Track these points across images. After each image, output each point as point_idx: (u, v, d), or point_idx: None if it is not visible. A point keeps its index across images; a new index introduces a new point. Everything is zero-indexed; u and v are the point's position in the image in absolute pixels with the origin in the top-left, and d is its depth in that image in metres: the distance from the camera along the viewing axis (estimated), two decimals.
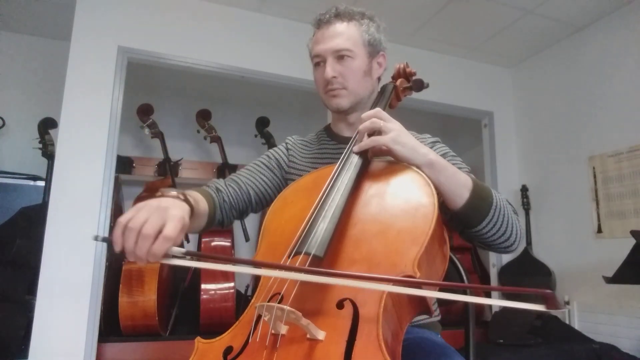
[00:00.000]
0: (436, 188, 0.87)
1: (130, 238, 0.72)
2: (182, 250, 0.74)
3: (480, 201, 0.92)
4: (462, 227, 0.96)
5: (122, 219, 0.73)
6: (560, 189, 3.17)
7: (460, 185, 0.91)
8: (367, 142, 0.93)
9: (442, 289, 0.80)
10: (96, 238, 0.78)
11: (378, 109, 0.97)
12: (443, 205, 0.94)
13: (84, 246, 2.30)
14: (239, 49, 2.87)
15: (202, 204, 1.01)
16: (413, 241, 0.78)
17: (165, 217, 0.74)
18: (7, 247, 2.39)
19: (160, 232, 0.73)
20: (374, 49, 1.16)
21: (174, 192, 0.84)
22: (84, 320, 2.23)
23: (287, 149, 1.26)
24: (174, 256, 0.74)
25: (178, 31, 2.74)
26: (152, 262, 0.73)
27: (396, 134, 0.91)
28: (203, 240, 2.89)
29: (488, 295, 0.70)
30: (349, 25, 1.13)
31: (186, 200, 0.85)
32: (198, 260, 0.80)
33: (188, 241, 3.13)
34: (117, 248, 0.73)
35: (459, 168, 0.99)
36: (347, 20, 1.13)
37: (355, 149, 0.96)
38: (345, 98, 1.13)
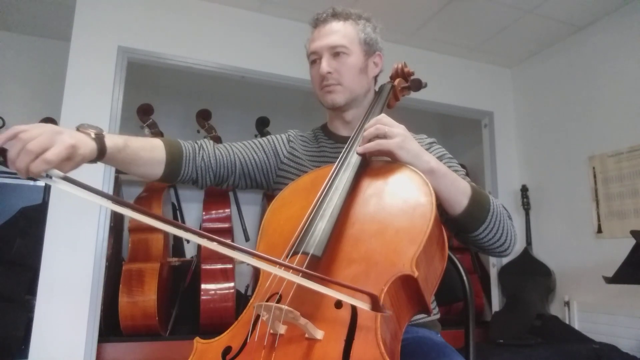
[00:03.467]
0: (436, 195, 0.88)
1: (15, 147, 0.73)
2: (60, 174, 0.74)
3: (478, 208, 0.94)
4: (457, 231, 0.97)
5: (17, 128, 0.75)
6: (560, 189, 3.17)
7: (460, 192, 0.93)
8: (372, 145, 0.92)
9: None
10: None
11: (383, 115, 0.97)
12: (440, 209, 0.95)
13: (84, 246, 2.30)
14: (239, 49, 2.87)
15: (150, 153, 1.01)
16: (411, 240, 0.78)
17: (54, 140, 0.75)
18: (7, 247, 2.40)
19: (43, 152, 0.73)
20: (370, 48, 1.17)
21: (90, 130, 0.85)
22: (84, 320, 2.23)
23: (289, 141, 1.25)
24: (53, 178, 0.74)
25: (178, 31, 2.74)
26: (30, 176, 0.74)
27: (401, 140, 0.91)
28: None
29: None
30: (345, 24, 1.14)
31: (97, 140, 0.85)
32: (79, 188, 0.75)
33: (188, 241, 3.12)
34: None
35: (455, 171, 1.01)
36: (344, 19, 1.15)
37: (360, 150, 0.94)
38: (340, 94, 1.13)
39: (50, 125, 0.77)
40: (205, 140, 1.16)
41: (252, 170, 1.18)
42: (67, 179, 0.74)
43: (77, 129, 0.84)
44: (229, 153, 1.15)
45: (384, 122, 0.94)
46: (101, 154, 0.86)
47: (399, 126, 0.94)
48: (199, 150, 1.11)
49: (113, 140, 0.89)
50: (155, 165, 1.03)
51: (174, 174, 1.07)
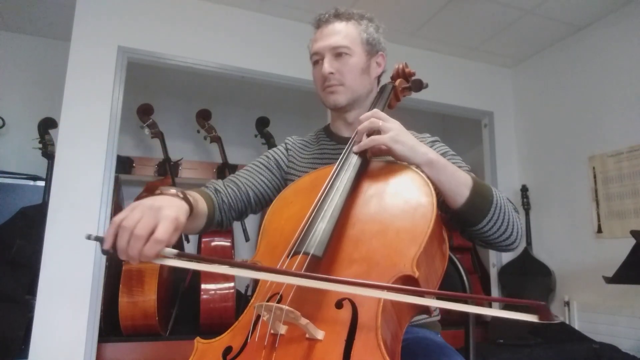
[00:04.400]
0: (436, 187, 0.88)
1: (123, 237, 0.72)
2: (174, 251, 0.73)
3: (481, 200, 0.92)
4: (462, 226, 0.96)
5: (117, 218, 0.73)
6: (560, 189, 3.17)
7: (460, 183, 0.91)
8: (366, 142, 0.92)
9: (438, 297, 0.76)
10: (89, 237, 0.76)
11: (376, 110, 0.97)
12: (443, 204, 0.94)
13: (84, 246, 2.30)
14: (239, 49, 2.87)
15: (201, 204, 1.01)
16: (412, 241, 0.78)
17: (158, 217, 0.73)
18: (7, 247, 2.39)
19: (152, 233, 0.72)
20: (372, 48, 1.16)
21: (172, 190, 0.83)
22: (84, 320, 2.23)
23: (287, 150, 1.26)
24: (166, 257, 0.74)
25: (178, 31, 2.74)
26: (144, 262, 0.73)
27: (395, 133, 0.91)
28: (203, 240, 2.89)
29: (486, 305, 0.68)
30: (347, 24, 1.14)
31: (185, 199, 0.84)
32: (190, 261, 0.78)
33: (188, 241, 3.12)
34: (106, 246, 0.73)
35: (459, 167, 0.99)
36: (346, 20, 1.14)
37: (355, 149, 0.96)
38: (342, 94, 1.13)
39: (145, 203, 0.75)
40: (213, 181, 1.16)
41: (264, 193, 1.18)
42: (180, 255, 0.73)
43: (161, 193, 0.82)
44: (239, 187, 1.15)
45: (377, 116, 0.94)
46: (189, 214, 0.84)
47: (393, 121, 0.94)
48: (217, 194, 1.12)
49: (190, 197, 0.87)
50: (204, 217, 1.03)
51: (210, 224, 1.07)
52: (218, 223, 1.12)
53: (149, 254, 0.72)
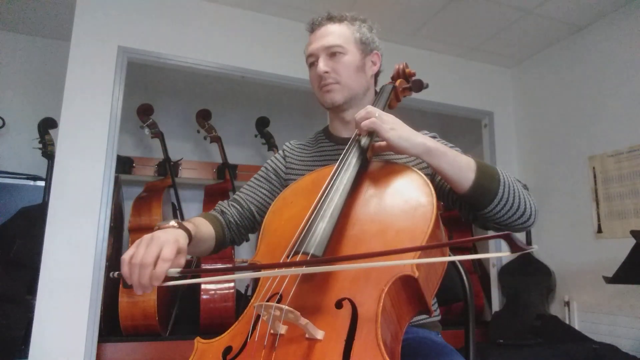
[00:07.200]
0: (440, 175, 0.88)
1: (135, 272, 0.77)
2: (178, 270, 0.79)
3: (488, 180, 0.91)
4: (474, 211, 0.95)
5: (126, 256, 0.79)
6: (560, 189, 3.17)
7: (464, 167, 0.90)
8: (367, 123, 0.91)
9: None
10: (113, 275, 0.83)
11: (370, 106, 0.97)
12: (451, 192, 0.93)
13: (84, 246, 2.30)
14: (239, 49, 2.87)
15: (206, 228, 1.06)
16: (412, 240, 0.79)
17: (160, 244, 0.79)
18: (7, 247, 2.39)
19: (158, 257, 0.78)
20: (366, 47, 1.18)
21: (171, 223, 0.89)
22: (84, 320, 2.23)
23: (285, 156, 1.26)
24: (173, 277, 0.79)
25: (178, 31, 2.74)
26: (155, 285, 0.78)
27: (392, 125, 0.91)
28: None
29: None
30: (340, 25, 1.16)
31: (181, 227, 0.89)
32: (195, 276, 0.86)
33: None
34: (129, 282, 0.79)
35: None
36: (339, 22, 1.17)
37: (357, 130, 0.97)
38: (338, 93, 1.14)
39: (146, 237, 0.81)
40: (220, 203, 1.21)
41: (267, 205, 1.18)
42: (185, 272, 0.80)
43: (159, 228, 0.87)
44: (241, 205, 1.19)
45: (373, 109, 0.94)
46: (190, 239, 0.90)
47: (389, 115, 0.95)
48: (224, 215, 1.17)
49: (188, 224, 0.93)
50: (211, 239, 1.08)
51: (221, 242, 1.13)
52: (231, 241, 1.18)
53: (158, 274, 0.77)
